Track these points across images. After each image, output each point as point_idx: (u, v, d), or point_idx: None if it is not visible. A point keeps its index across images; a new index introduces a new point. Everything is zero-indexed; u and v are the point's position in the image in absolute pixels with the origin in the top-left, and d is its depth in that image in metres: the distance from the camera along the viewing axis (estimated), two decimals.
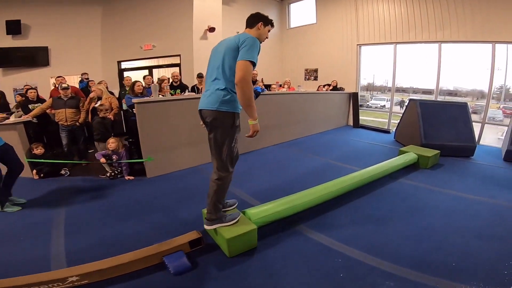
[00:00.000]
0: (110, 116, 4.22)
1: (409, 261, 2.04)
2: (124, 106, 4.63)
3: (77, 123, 4.34)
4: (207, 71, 2.11)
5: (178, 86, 4.99)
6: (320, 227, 2.55)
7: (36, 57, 6.59)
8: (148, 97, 3.96)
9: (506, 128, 5.72)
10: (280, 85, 6.58)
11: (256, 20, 2.07)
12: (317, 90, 7.54)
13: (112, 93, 5.13)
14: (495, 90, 6.02)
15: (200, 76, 5.46)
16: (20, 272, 1.81)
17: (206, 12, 6.90)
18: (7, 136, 3.24)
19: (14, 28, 6.26)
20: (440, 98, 6.86)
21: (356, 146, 5.68)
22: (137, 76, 7.26)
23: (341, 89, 7.85)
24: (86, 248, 2.22)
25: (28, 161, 3.71)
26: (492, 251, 2.19)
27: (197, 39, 6.81)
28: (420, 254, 2.14)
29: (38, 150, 3.80)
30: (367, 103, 13.51)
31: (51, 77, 6.43)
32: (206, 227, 2.19)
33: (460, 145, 4.87)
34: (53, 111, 4.35)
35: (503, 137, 6.32)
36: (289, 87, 6.58)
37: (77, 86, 5.79)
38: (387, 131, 7.14)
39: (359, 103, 8.04)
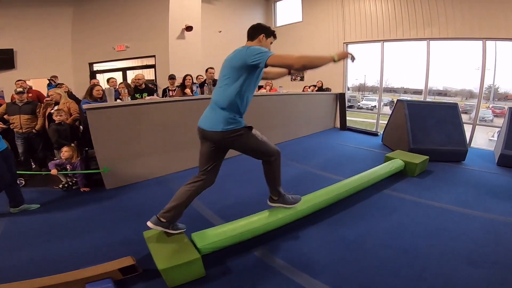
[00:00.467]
0: (69, 122, 3.82)
1: None
2: None
3: (34, 130, 3.95)
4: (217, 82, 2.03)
5: (144, 89, 4.58)
6: (283, 251, 2.18)
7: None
8: (101, 103, 3.56)
9: (497, 129, 5.43)
10: (261, 86, 6.20)
11: (257, 32, 1.99)
12: (303, 91, 7.18)
13: (74, 98, 4.71)
14: (484, 90, 5.72)
15: (172, 77, 5.06)
16: None
17: (183, 11, 6.52)
18: None
19: None
20: (430, 99, 6.57)
21: (340, 151, 5.31)
22: (100, 79, 6.87)
23: (328, 89, 7.50)
24: (11, 267, 2.00)
25: None
26: (482, 280, 1.84)
27: (173, 39, 6.42)
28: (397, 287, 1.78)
29: None
30: (358, 103, 13.25)
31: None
32: (269, 203, 2.32)
33: (450, 149, 4.53)
34: (7, 117, 3.95)
35: (494, 138, 6.04)
36: (271, 88, 6.21)
37: (46, 89, 5.38)
38: (375, 134, 6.80)
39: (350, 104, 7.71)
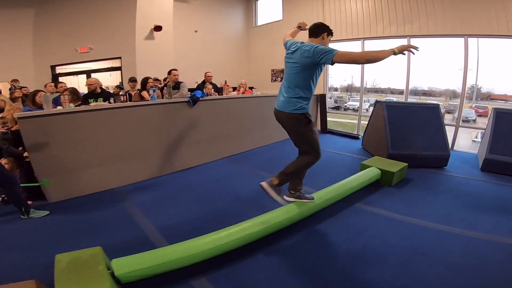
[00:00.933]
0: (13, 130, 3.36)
1: None
2: None
3: None
4: (284, 76, 2.33)
5: (100, 94, 4.14)
6: (226, 283, 1.82)
7: None
8: (36, 111, 3.13)
9: (481, 131, 5.16)
10: (235, 88, 5.82)
11: (321, 30, 2.23)
12: None
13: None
14: (467, 90, 5.46)
15: (132, 80, 4.64)
16: None
17: (152, 10, 6.12)
18: None
19: None
20: (415, 99, 6.29)
21: None
22: (73, 82, 6.40)
23: None
24: None
25: None
26: None
27: (140, 40, 6.01)
28: None
29: None
30: (345, 104, 12.98)
31: None
32: (285, 197, 2.46)
33: (432, 154, 4.21)
34: None
35: (477, 139, 5.79)
36: (245, 90, 5.82)
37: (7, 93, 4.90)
38: (356, 137, 6.46)
39: (337, 105, 7.37)
